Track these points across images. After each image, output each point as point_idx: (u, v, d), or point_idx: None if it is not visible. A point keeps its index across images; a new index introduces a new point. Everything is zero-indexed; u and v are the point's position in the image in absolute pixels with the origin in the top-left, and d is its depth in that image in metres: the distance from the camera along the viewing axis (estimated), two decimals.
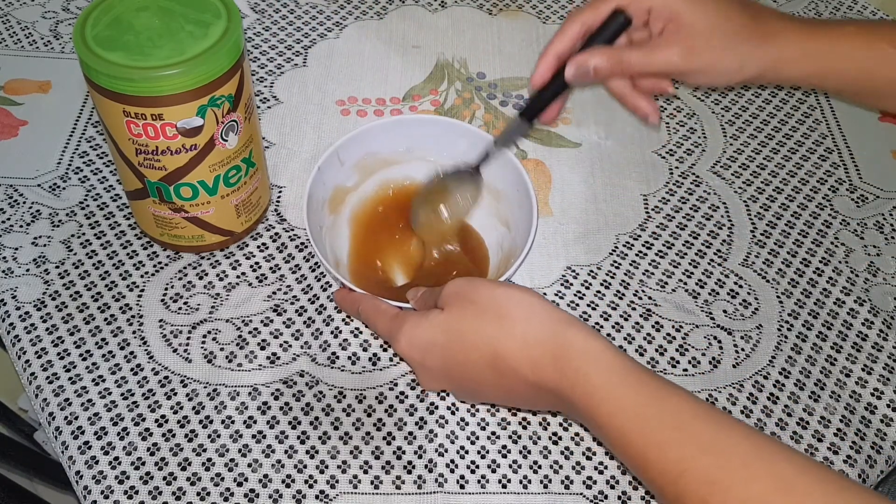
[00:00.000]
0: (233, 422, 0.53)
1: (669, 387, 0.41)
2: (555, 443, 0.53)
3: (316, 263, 0.61)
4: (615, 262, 0.62)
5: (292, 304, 0.58)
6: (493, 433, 0.53)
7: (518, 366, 0.42)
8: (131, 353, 0.55)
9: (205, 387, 0.54)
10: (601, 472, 0.52)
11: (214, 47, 0.50)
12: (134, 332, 0.56)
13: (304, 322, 0.57)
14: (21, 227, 0.62)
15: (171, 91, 0.49)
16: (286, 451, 0.51)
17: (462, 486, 0.51)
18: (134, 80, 0.48)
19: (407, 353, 0.46)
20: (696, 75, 0.53)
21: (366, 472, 0.51)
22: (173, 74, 0.49)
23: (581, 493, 0.51)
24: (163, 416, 0.53)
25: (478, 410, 0.54)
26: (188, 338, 0.56)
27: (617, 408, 0.40)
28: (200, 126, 0.51)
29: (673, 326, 0.59)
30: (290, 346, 0.56)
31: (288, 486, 0.50)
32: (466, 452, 0.52)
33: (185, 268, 0.60)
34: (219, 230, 0.59)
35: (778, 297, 0.61)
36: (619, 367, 0.41)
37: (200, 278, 0.59)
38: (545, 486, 0.51)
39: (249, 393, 0.54)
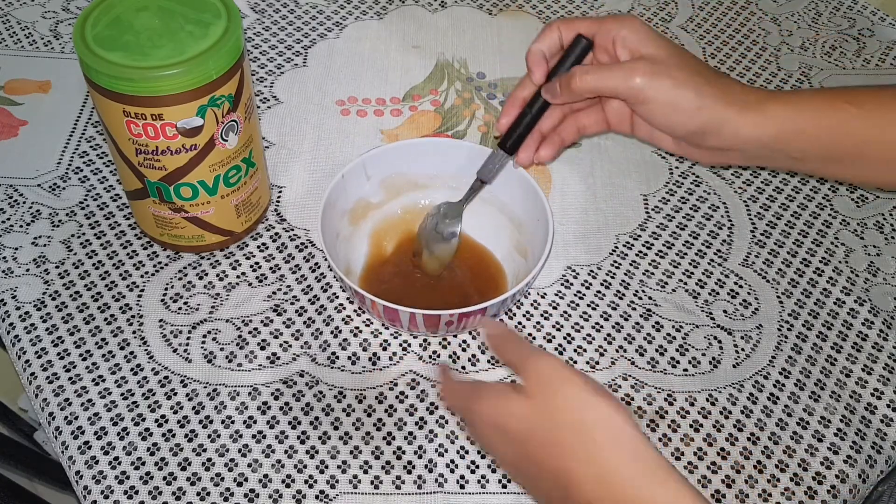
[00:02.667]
0: (233, 422, 0.53)
1: None
2: None
3: (316, 264, 0.61)
4: (615, 262, 0.62)
5: (292, 304, 0.58)
6: None
7: (589, 499, 0.39)
8: (131, 353, 0.55)
9: (205, 387, 0.54)
10: None
11: (214, 47, 0.50)
12: (134, 332, 0.56)
13: (304, 322, 0.57)
14: (21, 227, 0.62)
15: (171, 91, 0.49)
16: (286, 451, 0.51)
17: (462, 486, 0.51)
18: (134, 80, 0.48)
19: (481, 432, 0.43)
20: (650, 104, 0.50)
21: (366, 472, 0.51)
22: (173, 74, 0.48)
23: None
24: (163, 416, 0.53)
25: None
26: (188, 338, 0.56)
27: None
28: (200, 126, 0.51)
29: (673, 326, 0.59)
30: (290, 346, 0.56)
31: (288, 486, 0.50)
32: (466, 452, 0.52)
33: (185, 268, 0.60)
34: (219, 230, 0.58)
35: (778, 297, 0.61)
36: None
37: (200, 278, 0.59)
38: None
39: (249, 393, 0.54)
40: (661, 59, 0.50)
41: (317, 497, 0.50)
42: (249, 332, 0.57)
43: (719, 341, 0.58)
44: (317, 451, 0.52)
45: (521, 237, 0.59)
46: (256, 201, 0.60)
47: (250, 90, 0.55)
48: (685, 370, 0.56)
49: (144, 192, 0.55)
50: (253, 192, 0.59)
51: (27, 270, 0.59)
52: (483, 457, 0.52)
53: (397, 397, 0.54)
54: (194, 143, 0.52)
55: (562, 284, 0.61)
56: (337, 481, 0.50)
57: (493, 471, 0.51)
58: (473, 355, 0.57)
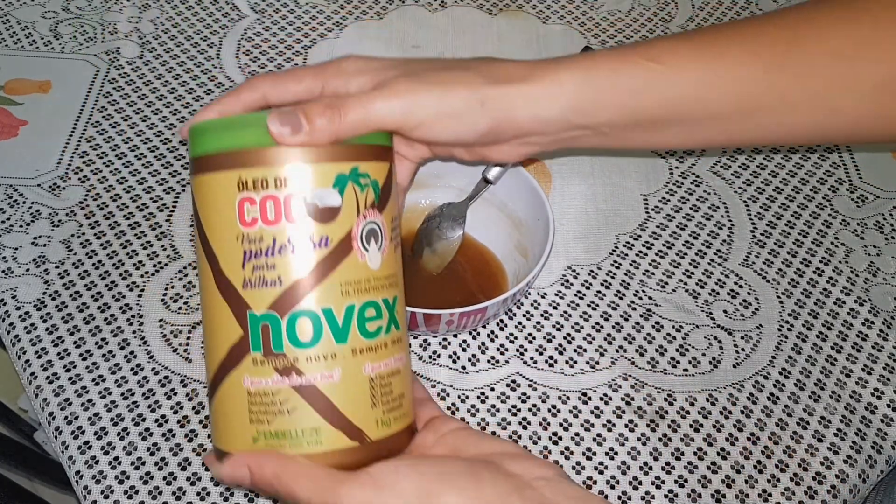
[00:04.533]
0: None
1: None
2: (555, 443, 0.53)
3: None
4: (615, 262, 0.62)
5: None
6: (494, 433, 0.53)
7: None
8: (131, 352, 0.55)
9: (205, 387, 0.54)
10: (601, 473, 0.52)
11: None
12: (134, 332, 0.56)
13: None
14: (21, 226, 0.62)
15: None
16: None
17: None
18: (254, 125, 0.38)
19: None
20: (424, 125, 0.41)
21: None
22: None
23: None
24: (163, 416, 0.53)
25: (478, 411, 0.54)
26: (188, 338, 0.56)
27: None
28: (337, 208, 0.38)
29: (673, 326, 0.59)
30: None
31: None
32: None
33: (185, 267, 0.60)
34: (344, 422, 0.38)
35: (778, 297, 0.60)
36: None
37: None
38: None
39: None
40: (413, 71, 0.42)
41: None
42: None
43: (719, 341, 0.58)
44: None
45: (522, 237, 0.59)
46: (399, 397, 0.40)
47: (399, 210, 0.43)
48: (685, 370, 0.56)
49: (242, 348, 0.38)
50: (394, 373, 0.40)
51: (27, 270, 0.59)
52: None
53: None
54: (325, 236, 0.38)
55: (562, 284, 0.61)
56: None
57: None
58: (473, 355, 0.57)
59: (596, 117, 0.43)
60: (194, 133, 0.40)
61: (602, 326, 0.58)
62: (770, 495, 0.51)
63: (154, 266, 0.60)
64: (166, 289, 0.59)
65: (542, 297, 0.60)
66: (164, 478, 0.50)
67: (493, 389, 0.55)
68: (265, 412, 0.38)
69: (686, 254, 0.63)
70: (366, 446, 0.38)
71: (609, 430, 0.54)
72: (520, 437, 0.53)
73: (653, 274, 0.61)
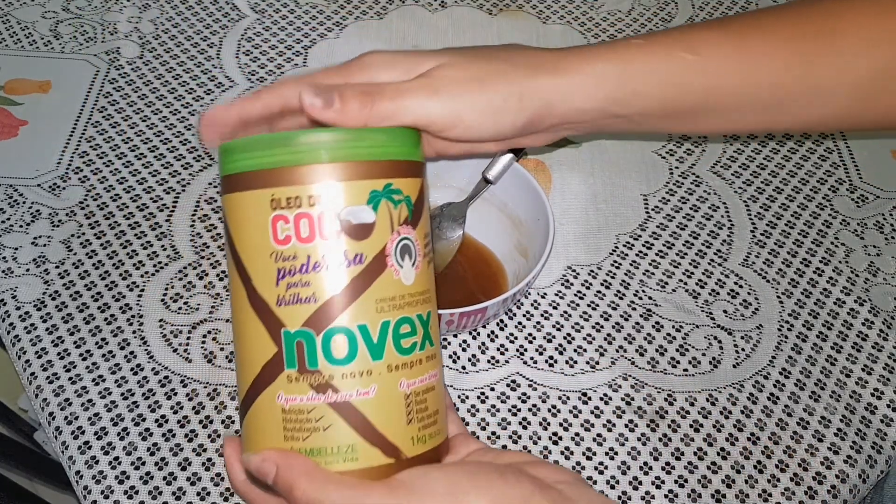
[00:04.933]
0: (233, 422, 0.53)
1: None
2: (555, 443, 0.53)
3: None
4: (615, 262, 0.62)
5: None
6: (494, 433, 0.53)
7: None
8: (131, 352, 0.55)
9: (205, 387, 0.54)
10: (601, 473, 0.52)
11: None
12: (134, 332, 0.56)
13: None
14: (21, 226, 0.62)
15: (337, 158, 0.37)
16: None
17: None
18: (286, 143, 0.37)
19: None
20: (463, 123, 0.40)
21: None
22: (342, 134, 0.38)
23: None
24: (163, 416, 0.53)
25: (478, 411, 0.54)
26: (188, 338, 0.56)
27: None
28: (371, 225, 0.38)
29: (673, 326, 0.59)
30: None
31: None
32: None
33: (185, 268, 0.60)
34: (379, 439, 0.38)
35: (778, 297, 0.60)
36: None
37: (200, 278, 0.59)
38: None
39: None
40: (450, 63, 0.41)
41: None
42: None
43: (719, 341, 0.58)
44: None
45: (522, 237, 0.59)
46: (433, 413, 0.40)
47: (429, 230, 0.42)
48: (685, 370, 0.56)
49: (276, 365, 0.38)
50: (429, 390, 0.40)
51: (27, 270, 0.59)
52: None
53: None
54: (359, 253, 0.37)
55: (562, 284, 0.61)
56: None
57: None
58: (473, 355, 0.57)
59: (632, 107, 0.43)
60: (225, 152, 0.39)
61: (602, 326, 0.58)
62: (770, 495, 0.51)
63: (154, 266, 0.60)
64: (166, 289, 0.59)
65: (543, 297, 0.60)
66: (165, 478, 0.50)
67: (493, 389, 0.55)
68: (300, 429, 0.37)
69: (686, 254, 0.63)
70: (401, 463, 0.38)
71: (609, 430, 0.54)
72: (520, 437, 0.53)
73: (653, 274, 0.61)
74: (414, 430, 0.39)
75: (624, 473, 0.52)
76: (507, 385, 0.55)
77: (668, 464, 0.52)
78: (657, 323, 0.59)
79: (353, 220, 0.37)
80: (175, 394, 0.54)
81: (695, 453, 0.53)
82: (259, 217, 0.38)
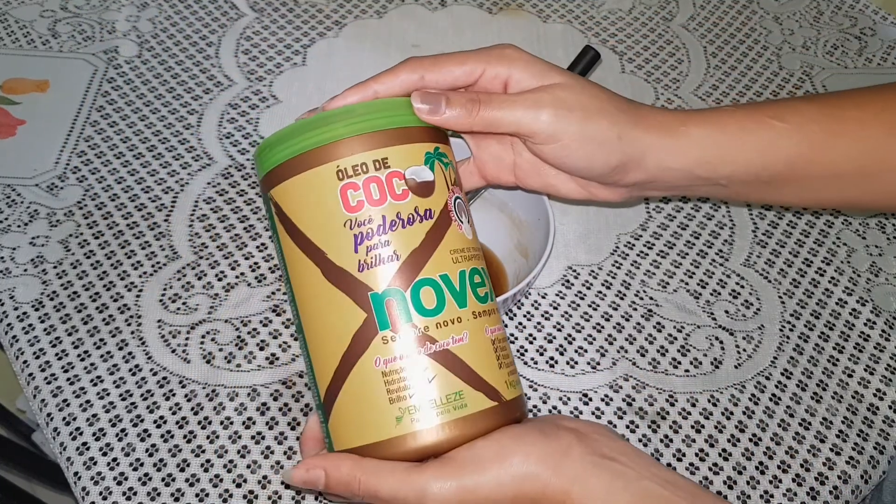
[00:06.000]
0: (231, 423, 0.52)
1: None
2: None
3: None
4: (616, 262, 0.62)
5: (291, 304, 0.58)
6: None
7: None
8: (130, 353, 0.55)
9: (203, 387, 0.54)
10: None
11: None
12: (132, 333, 0.56)
13: None
14: (19, 226, 0.61)
15: (395, 123, 0.40)
16: (285, 453, 0.51)
17: None
18: (348, 117, 0.40)
19: None
20: (561, 141, 0.43)
21: None
22: (394, 101, 0.42)
23: None
24: (161, 417, 0.52)
25: None
26: (187, 338, 0.56)
27: None
28: (432, 182, 0.41)
29: (674, 327, 0.58)
30: (290, 346, 0.56)
31: (287, 486, 0.50)
32: None
33: (183, 268, 0.60)
34: (481, 383, 0.39)
35: (780, 297, 0.60)
36: None
37: (199, 279, 0.59)
38: None
39: (248, 394, 0.54)
40: (565, 86, 0.43)
41: (316, 498, 0.50)
42: (248, 333, 0.56)
43: (721, 342, 0.58)
44: None
45: (522, 237, 0.59)
46: (512, 361, 0.42)
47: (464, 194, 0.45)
48: (687, 371, 0.56)
49: (369, 331, 0.39)
50: (505, 339, 0.42)
51: (25, 271, 0.59)
52: None
53: None
54: (428, 209, 0.40)
55: (563, 284, 0.60)
56: None
57: None
58: None
59: (718, 171, 0.45)
60: (268, 146, 0.41)
61: (603, 327, 0.58)
62: (772, 496, 0.51)
63: (152, 266, 0.60)
64: (165, 289, 0.58)
65: (543, 297, 0.60)
66: (163, 479, 0.50)
67: None
68: (405, 388, 0.38)
69: (687, 254, 0.63)
70: (503, 406, 0.39)
71: None
72: None
73: (654, 274, 0.61)
74: (505, 374, 0.40)
75: None
76: None
77: (669, 465, 0.52)
78: (658, 323, 0.58)
79: (418, 178, 0.40)
80: (173, 395, 0.53)
81: (696, 454, 0.52)
82: (326, 191, 0.39)
